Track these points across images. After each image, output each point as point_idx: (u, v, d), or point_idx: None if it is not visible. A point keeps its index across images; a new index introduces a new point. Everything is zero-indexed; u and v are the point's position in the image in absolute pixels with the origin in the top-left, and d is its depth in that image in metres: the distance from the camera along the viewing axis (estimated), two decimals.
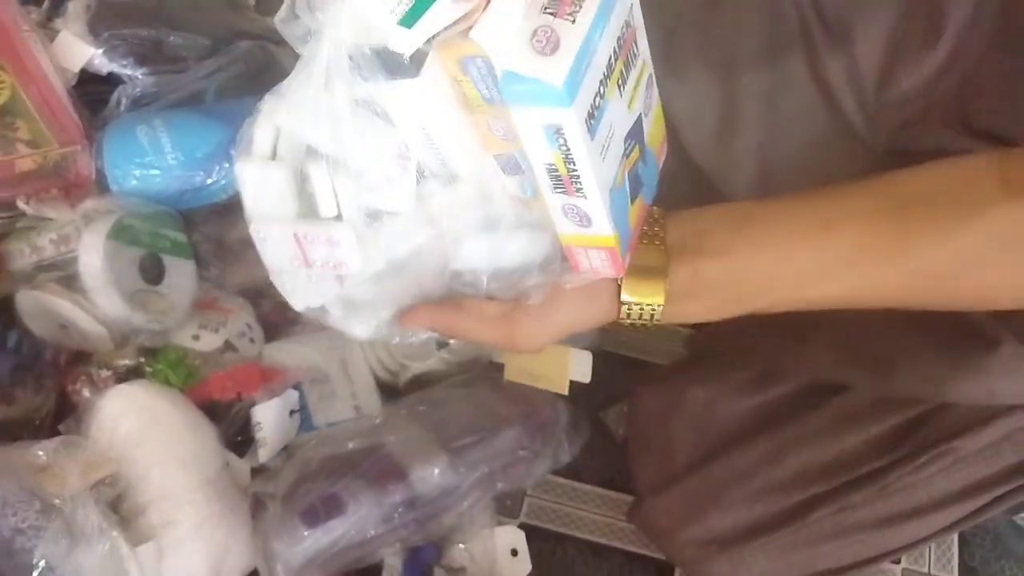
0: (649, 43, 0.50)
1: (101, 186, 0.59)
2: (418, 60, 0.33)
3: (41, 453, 0.47)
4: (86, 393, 0.57)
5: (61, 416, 0.61)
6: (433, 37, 0.32)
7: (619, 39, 0.36)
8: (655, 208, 0.45)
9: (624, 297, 0.42)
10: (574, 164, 0.34)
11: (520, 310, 0.43)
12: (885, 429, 0.54)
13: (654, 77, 0.43)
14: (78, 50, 0.63)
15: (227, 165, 0.61)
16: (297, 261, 0.39)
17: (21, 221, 0.57)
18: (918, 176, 0.41)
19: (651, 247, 0.43)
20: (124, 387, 0.52)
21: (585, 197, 0.36)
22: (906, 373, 0.50)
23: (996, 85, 0.47)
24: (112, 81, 0.66)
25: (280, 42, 0.73)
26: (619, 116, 0.37)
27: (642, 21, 0.39)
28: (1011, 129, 0.47)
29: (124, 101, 0.61)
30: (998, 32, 0.47)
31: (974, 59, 0.48)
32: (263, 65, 0.66)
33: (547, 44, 0.32)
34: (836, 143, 0.54)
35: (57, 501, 0.46)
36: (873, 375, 0.51)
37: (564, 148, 0.34)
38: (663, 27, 0.58)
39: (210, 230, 0.64)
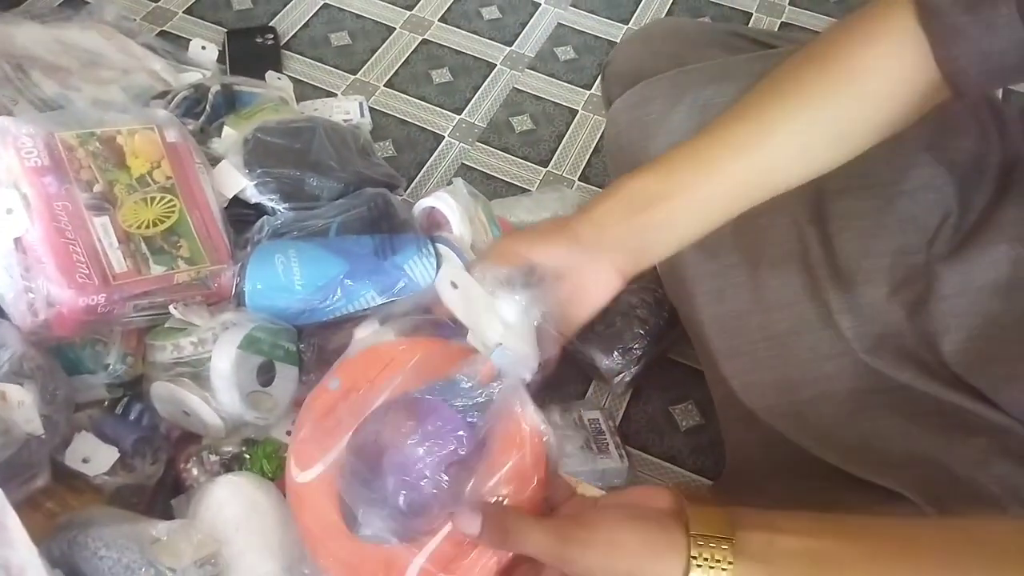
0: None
1: (239, 299, 0.71)
2: None
3: (162, 528, 0.58)
4: (195, 472, 0.68)
5: (164, 485, 0.72)
6: None
7: None
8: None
9: (693, 544, 0.40)
10: None
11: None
12: None
13: None
14: (234, 180, 0.77)
15: (340, 292, 0.73)
16: None
17: (169, 321, 0.70)
18: (1000, 523, 0.43)
19: (707, 504, 0.43)
20: (232, 477, 0.63)
21: None
22: None
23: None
24: (254, 207, 0.79)
25: (398, 188, 0.86)
26: None
27: None
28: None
29: (267, 229, 0.74)
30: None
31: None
32: (382, 210, 0.78)
33: None
34: (835, 355, 0.63)
35: (169, 573, 0.56)
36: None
37: None
38: None
39: (315, 340, 0.76)
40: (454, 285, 0.51)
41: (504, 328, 0.49)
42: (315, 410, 0.48)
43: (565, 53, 1.20)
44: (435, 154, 1.06)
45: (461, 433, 0.45)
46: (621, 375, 0.83)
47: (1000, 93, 1.18)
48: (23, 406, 0.60)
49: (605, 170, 1.06)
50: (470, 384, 0.46)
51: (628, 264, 0.59)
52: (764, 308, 0.67)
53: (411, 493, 0.44)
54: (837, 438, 0.63)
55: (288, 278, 0.71)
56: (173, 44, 1.07)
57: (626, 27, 1.23)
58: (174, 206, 0.70)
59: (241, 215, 0.78)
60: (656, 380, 0.87)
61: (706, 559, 0.40)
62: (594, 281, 0.59)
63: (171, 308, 0.68)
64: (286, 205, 0.76)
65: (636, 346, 0.83)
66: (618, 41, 1.21)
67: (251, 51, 1.11)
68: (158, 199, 0.70)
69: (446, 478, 0.44)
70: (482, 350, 0.48)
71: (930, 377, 0.61)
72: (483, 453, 0.45)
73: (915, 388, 0.62)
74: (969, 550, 0.41)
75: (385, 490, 0.44)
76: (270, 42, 1.13)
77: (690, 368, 0.87)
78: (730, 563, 0.40)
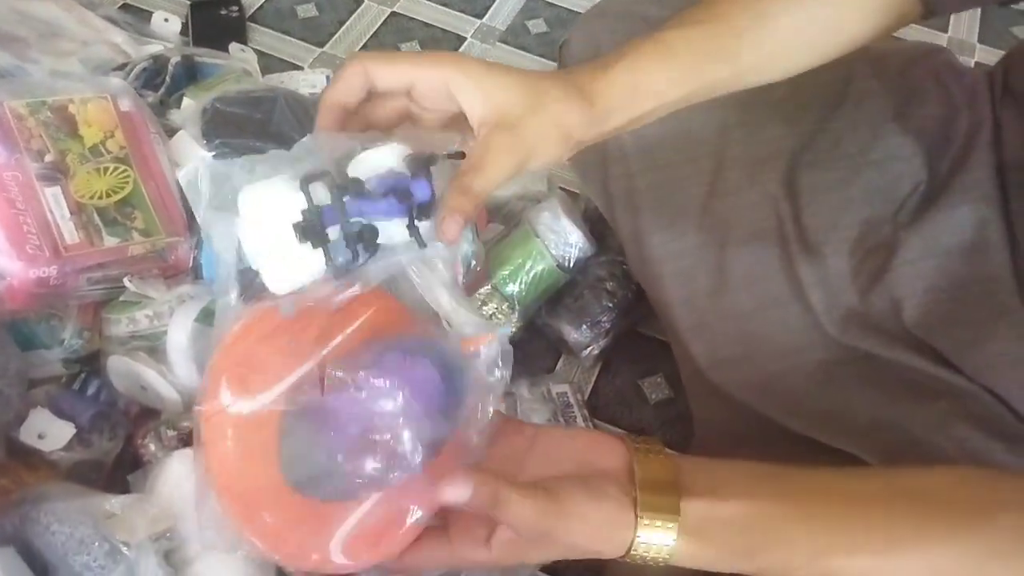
0: (659, 208, 0.59)
1: (195, 272, 0.69)
2: None
3: (116, 503, 0.56)
4: (152, 447, 0.66)
5: (123, 461, 0.70)
6: None
7: None
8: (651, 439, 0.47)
9: (640, 524, 0.41)
10: None
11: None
12: None
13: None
14: (190, 151, 0.75)
15: None
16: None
17: (123, 295, 0.68)
18: (938, 474, 0.44)
19: (657, 461, 0.44)
20: (189, 452, 0.61)
21: None
22: None
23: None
24: None
25: None
26: None
27: None
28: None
29: None
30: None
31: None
32: None
33: None
34: (804, 329, 0.63)
35: (124, 547, 0.55)
36: None
37: None
38: (672, 198, 0.68)
39: None
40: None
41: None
42: (258, 330, 0.43)
43: (537, 26, 1.18)
44: None
45: (438, 393, 0.43)
46: (589, 348, 0.83)
47: (972, 63, 1.19)
48: None
49: None
50: (445, 348, 0.44)
51: (579, 121, 0.47)
52: (733, 286, 0.66)
53: (364, 448, 0.41)
54: (804, 408, 0.63)
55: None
56: (135, 16, 1.04)
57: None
58: (128, 176, 0.69)
59: None
60: (625, 353, 0.87)
61: (651, 534, 0.42)
62: (535, 134, 0.46)
63: (125, 281, 0.66)
64: None
65: (604, 319, 0.82)
66: None
67: (215, 23, 1.08)
68: (111, 169, 0.68)
69: (403, 437, 0.42)
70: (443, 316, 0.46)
71: (894, 344, 0.61)
72: (443, 414, 0.43)
73: (880, 356, 0.62)
74: (912, 504, 0.41)
75: (340, 443, 0.42)
76: (235, 14, 1.10)
77: (659, 341, 0.86)
78: (673, 538, 0.41)
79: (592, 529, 0.42)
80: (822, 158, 0.65)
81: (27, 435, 0.65)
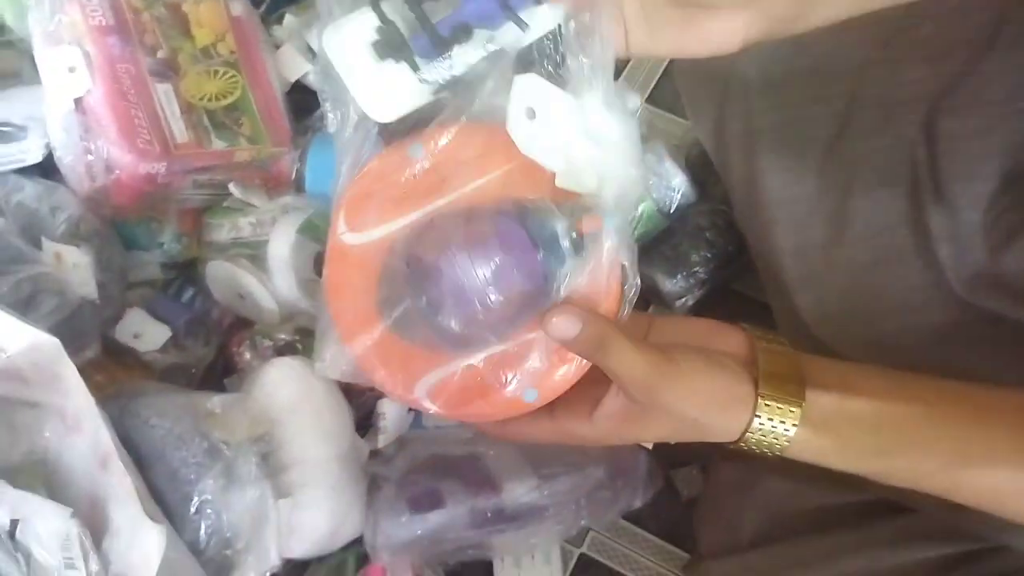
0: (779, 150, 0.55)
1: (298, 185, 0.68)
2: None
3: (217, 401, 0.56)
4: (247, 356, 0.66)
5: (213, 370, 0.70)
6: None
7: None
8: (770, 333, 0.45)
9: (760, 405, 0.39)
10: None
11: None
12: (940, 556, 0.58)
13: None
14: (297, 64, 0.74)
15: None
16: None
17: (227, 201, 0.67)
18: None
19: (781, 352, 0.41)
20: (288, 359, 0.61)
21: None
22: (971, 514, 0.54)
23: None
24: (316, 94, 0.76)
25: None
26: None
27: None
28: None
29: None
30: None
31: None
32: None
33: None
34: (926, 286, 0.60)
35: (223, 446, 0.54)
36: (943, 508, 0.56)
37: None
38: (796, 139, 0.65)
39: None
40: (531, 114, 0.40)
41: (604, 152, 0.41)
42: (382, 169, 0.42)
43: None
44: None
45: (537, 272, 0.40)
46: (683, 299, 0.80)
47: None
48: (78, 268, 0.58)
49: (677, 97, 1.01)
50: (563, 226, 0.40)
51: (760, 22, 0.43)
52: (851, 236, 0.63)
53: (463, 313, 0.40)
54: (921, 368, 0.60)
55: None
56: None
57: None
58: (237, 82, 0.68)
59: (303, 103, 0.74)
60: (718, 309, 0.83)
61: (770, 418, 0.39)
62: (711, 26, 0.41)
63: (231, 186, 0.65)
64: None
65: (701, 270, 0.79)
66: None
67: None
68: (221, 72, 0.67)
69: (504, 310, 0.40)
70: (581, 191, 0.41)
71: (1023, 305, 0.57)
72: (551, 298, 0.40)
73: (1008, 318, 0.58)
74: None
75: (438, 301, 0.41)
76: None
77: (753, 300, 0.83)
78: (794, 424, 0.39)
79: (706, 397, 0.39)
80: (965, 103, 0.61)
81: (123, 334, 0.65)
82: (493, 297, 0.40)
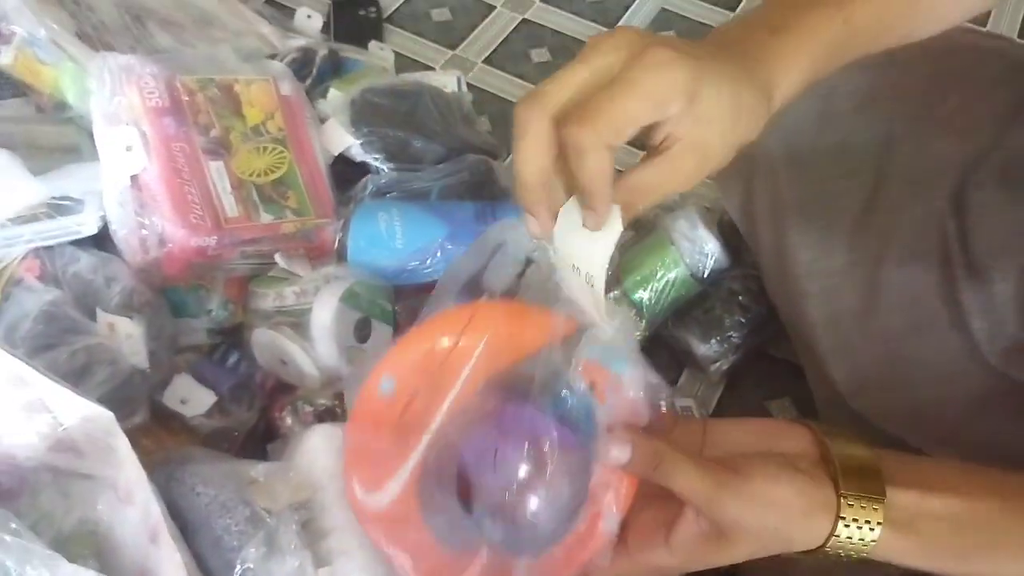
0: (807, 223, 0.55)
1: (340, 254, 0.71)
2: None
3: (260, 469, 0.57)
4: (289, 421, 0.68)
5: (254, 434, 0.72)
6: None
7: None
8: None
9: (843, 506, 0.37)
10: None
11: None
12: None
13: None
14: (341, 137, 0.76)
15: (439, 255, 0.72)
16: None
17: (272, 270, 0.70)
18: None
19: (853, 443, 0.40)
20: (328, 427, 0.62)
21: None
22: None
23: None
24: (358, 166, 0.79)
25: (499, 157, 0.85)
26: None
27: None
28: None
29: (371, 188, 0.74)
30: None
31: None
32: (484, 176, 0.77)
33: None
34: (961, 356, 0.59)
35: (265, 514, 0.55)
36: None
37: None
38: (824, 213, 0.66)
39: (411, 303, 0.75)
40: (576, 269, 0.40)
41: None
42: (366, 420, 0.43)
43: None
44: None
45: (554, 440, 0.40)
46: (718, 363, 0.80)
47: None
48: (131, 339, 0.60)
49: None
50: (577, 397, 0.40)
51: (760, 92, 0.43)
52: (885, 307, 0.63)
53: (506, 516, 0.40)
54: (958, 439, 0.59)
55: (390, 236, 0.70)
56: (279, 12, 1.08)
57: (732, 14, 1.20)
58: (284, 157, 0.71)
59: (345, 174, 0.77)
60: (752, 373, 0.84)
61: (855, 519, 0.37)
62: (735, 106, 0.40)
63: (277, 257, 0.68)
64: (390, 165, 0.75)
65: (735, 334, 0.80)
66: None
67: (355, 22, 1.12)
68: (270, 149, 0.70)
69: (537, 499, 0.40)
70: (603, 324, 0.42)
71: None
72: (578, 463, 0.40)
73: None
74: None
75: (480, 517, 0.41)
76: (373, 15, 1.13)
77: (788, 364, 0.83)
78: (879, 523, 0.37)
79: (784, 509, 0.38)
80: (993, 176, 0.62)
81: (170, 399, 0.67)
82: (527, 493, 0.40)
